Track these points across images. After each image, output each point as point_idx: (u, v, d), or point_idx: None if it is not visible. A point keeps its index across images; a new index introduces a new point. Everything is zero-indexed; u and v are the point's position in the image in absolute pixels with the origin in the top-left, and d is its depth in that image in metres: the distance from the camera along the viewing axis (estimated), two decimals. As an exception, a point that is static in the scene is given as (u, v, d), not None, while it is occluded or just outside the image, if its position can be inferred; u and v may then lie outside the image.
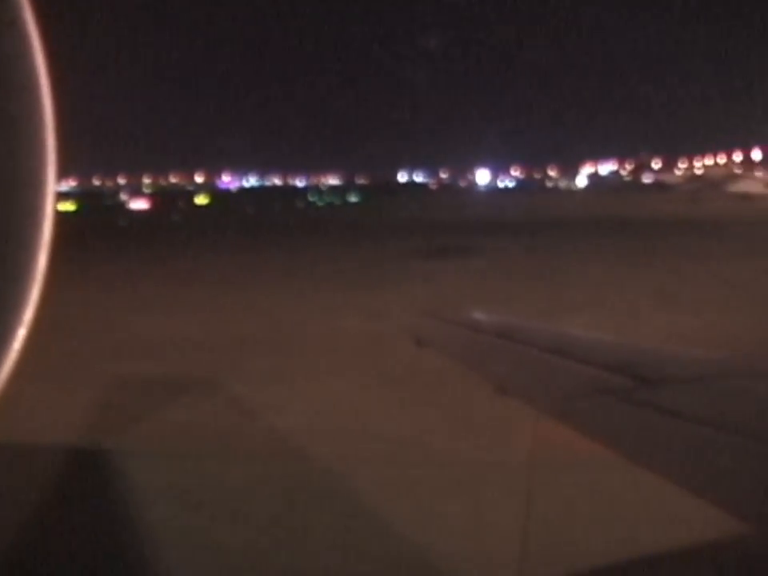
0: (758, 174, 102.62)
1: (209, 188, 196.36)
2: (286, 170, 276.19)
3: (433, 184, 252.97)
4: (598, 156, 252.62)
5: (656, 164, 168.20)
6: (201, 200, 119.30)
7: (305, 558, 7.25)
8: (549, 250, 35.69)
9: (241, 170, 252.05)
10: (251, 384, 13.53)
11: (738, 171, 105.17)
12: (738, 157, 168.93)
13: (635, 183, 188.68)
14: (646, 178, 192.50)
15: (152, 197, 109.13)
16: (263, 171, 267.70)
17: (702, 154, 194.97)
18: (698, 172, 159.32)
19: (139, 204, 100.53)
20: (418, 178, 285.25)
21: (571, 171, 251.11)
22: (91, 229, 58.63)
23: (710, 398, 3.42)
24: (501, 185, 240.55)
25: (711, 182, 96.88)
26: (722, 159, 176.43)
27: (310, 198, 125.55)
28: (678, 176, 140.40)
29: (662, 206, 79.39)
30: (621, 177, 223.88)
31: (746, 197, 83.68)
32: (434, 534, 7.53)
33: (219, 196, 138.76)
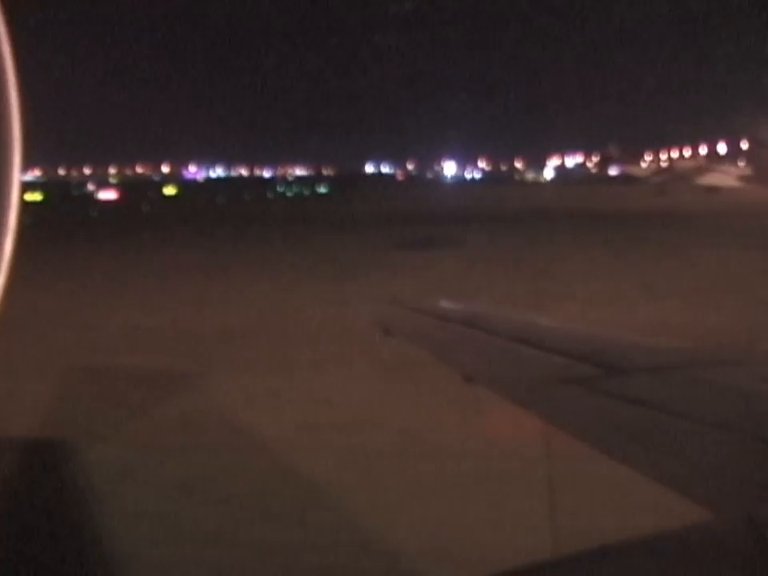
0: (726, 167, 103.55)
1: (175, 179, 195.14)
2: (252, 161, 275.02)
3: (400, 175, 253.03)
4: (564, 149, 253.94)
5: (622, 157, 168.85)
6: (169, 191, 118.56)
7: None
8: (530, 242, 35.74)
9: (207, 160, 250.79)
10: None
11: (706, 164, 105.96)
12: (703, 150, 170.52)
13: (601, 176, 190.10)
14: (612, 171, 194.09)
15: (120, 188, 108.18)
16: (229, 162, 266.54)
17: (668, 147, 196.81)
18: (663, 165, 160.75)
19: (108, 195, 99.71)
20: (385, 169, 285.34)
21: (538, 163, 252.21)
22: (62, 220, 58.19)
23: (676, 387, 3.47)
24: (468, 177, 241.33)
25: (680, 175, 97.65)
26: (687, 152, 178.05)
27: (279, 189, 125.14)
28: (646, 168, 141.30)
29: (631, 199, 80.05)
30: (587, 169, 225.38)
31: (714, 189, 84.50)
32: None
33: (187, 187, 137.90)
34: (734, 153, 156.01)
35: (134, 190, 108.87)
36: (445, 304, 6.91)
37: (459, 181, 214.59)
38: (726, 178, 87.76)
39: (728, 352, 4.51)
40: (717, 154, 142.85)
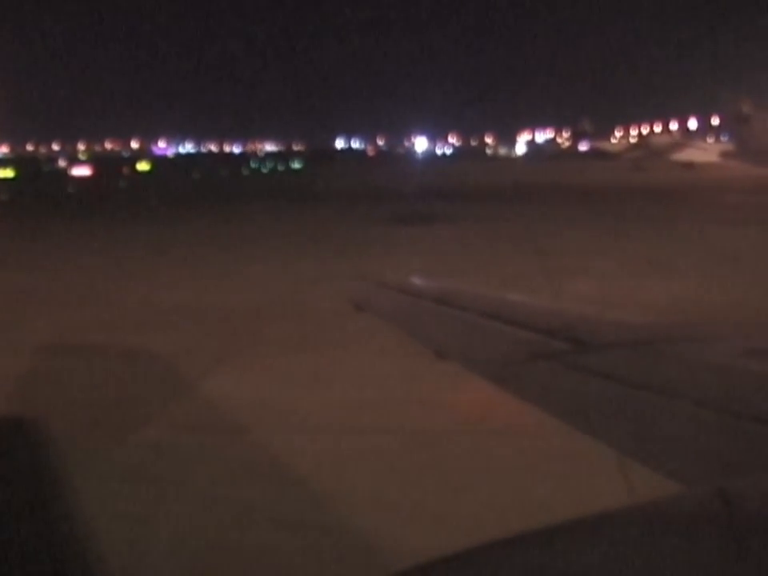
0: (703, 142, 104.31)
1: (144, 154, 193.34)
2: (222, 136, 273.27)
3: (370, 151, 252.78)
4: (534, 124, 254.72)
5: (595, 132, 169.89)
6: (142, 167, 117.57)
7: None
8: (521, 217, 35.68)
9: (176, 136, 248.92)
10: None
11: (681, 140, 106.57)
12: (673, 125, 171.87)
13: (572, 151, 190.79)
14: (583, 146, 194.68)
15: (93, 164, 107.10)
16: (198, 138, 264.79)
17: (638, 122, 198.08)
18: (634, 140, 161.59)
19: (81, 171, 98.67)
20: (355, 144, 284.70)
21: (508, 139, 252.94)
22: (39, 197, 57.58)
23: (647, 362, 3.49)
24: (439, 152, 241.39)
25: (655, 151, 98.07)
26: (657, 128, 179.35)
27: (253, 165, 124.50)
28: (618, 144, 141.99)
29: (608, 174, 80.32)
30: (557, 145, 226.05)
31: (689, 165, 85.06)
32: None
33: (159, 163, 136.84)
34: (704, 129, 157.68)
35: (107, 166, 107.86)
36: (416, 280, 7.09)
37: (431, 156, 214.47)
38: (701, 153, 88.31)
39: (699, 327, 4.59)
40: (687, 129, 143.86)
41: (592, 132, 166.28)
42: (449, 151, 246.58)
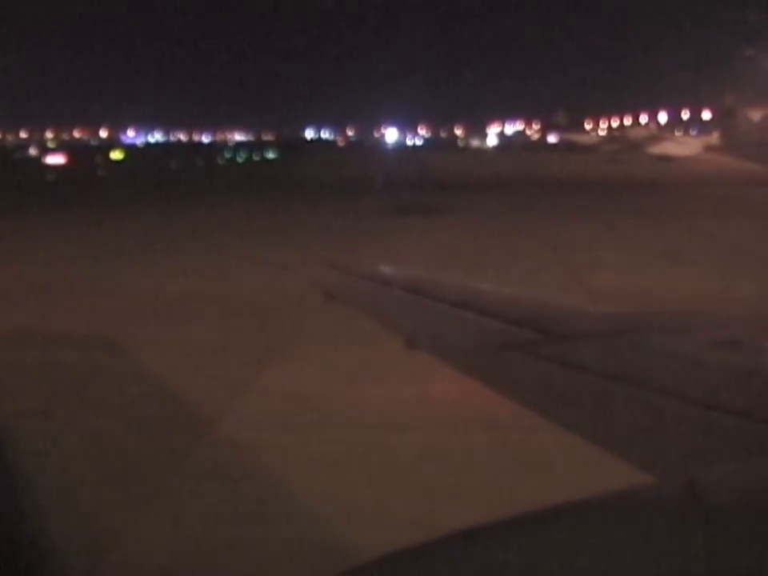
0: (681, 136, 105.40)
1: (113, 143, 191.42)
2: (191, 126, 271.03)
3: (340, 141, 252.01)
4: (504, 116, 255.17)
5: (569, 125, 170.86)
6: (116, 155, 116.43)
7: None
8: (515, 210, 35.93)
9: (145, 125, 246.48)
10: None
11: (658, 133, 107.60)
12: (643, 118, 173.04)
13: (542, 143, 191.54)
14: (552, 138, 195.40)
15: (68, 152, 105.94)
16: (167, 127, 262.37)
17: (608, 115, 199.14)
18: (602, 133, 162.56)
19: (56, 159, 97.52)
20: (325, 135, 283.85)
21: (477, 130, 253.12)
22: (18, 186, 56.84)
23: (616, 352, 3.51)
24: (409, 143, 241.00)
25: (632, 144, 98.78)
26: (628, 120, 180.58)
27: (227, 154, 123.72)
28: (592, 136, 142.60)
29: (586, 166, 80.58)
30: (527, 137, 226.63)
31: (665, 158, 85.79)
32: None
33: (131, 151, 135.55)
34: (674, 122, 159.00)
35: (80, 155, 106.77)
36: (386, 269, 7.10)
37: (401, 147, 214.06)
38: (678, 147, 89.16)
39: (668, 317, 4.58)
40: (657, 122, 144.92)
41: (566, 124, 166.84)
42: (419, 142, 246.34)
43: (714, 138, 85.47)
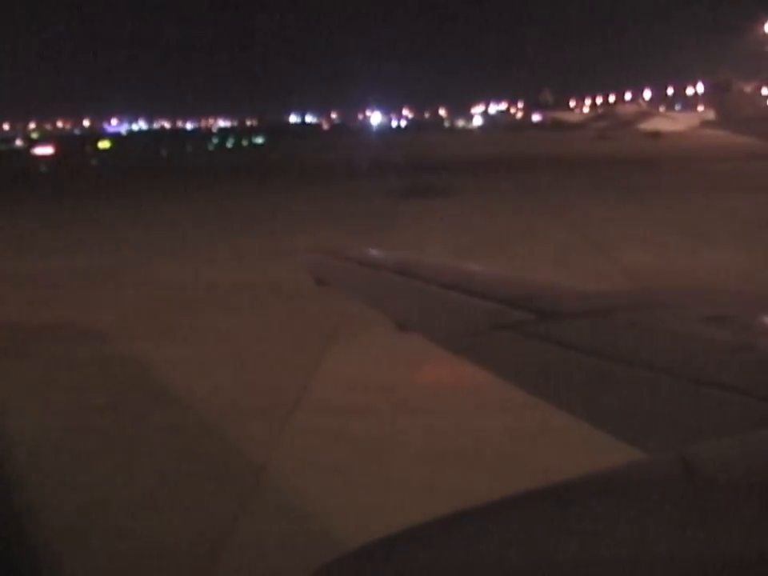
0: (670, 112, 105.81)
1: (97, 132, 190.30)
2: (174, 114, 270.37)
3: (325, 125, 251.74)
4: (487, 96, 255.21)
5: (557, 103, 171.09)
6: (103, 144, 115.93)
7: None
8: (519, 189, 35.90)
9: (128, 114, 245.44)
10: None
11: (648, 109, 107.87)
12: (628, 96, 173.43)
13: (526, 123, 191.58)
14: (537, 117, 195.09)
15: (55, 142, 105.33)
16: (150, 115, 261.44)
17: (593, 94, 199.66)
18: (587, 111, 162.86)
19: (45, 150, 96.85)
20: (309, 119, 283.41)
21: (461, 111, 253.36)
22: (13, 177, 56.39)
23: (608, 330, 3.54)
24: (394, 125, 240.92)
25: (622, 120, 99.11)
26: (612, 98, 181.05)
27: (214, 140, 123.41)
28: (579, 114, 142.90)
29: (577, 144, 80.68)
30: (511, 116, 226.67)
31: (655, 135, 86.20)
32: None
33: (117, 140, 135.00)
34: (659, 99, 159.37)
35: (67, 145, 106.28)
36: (376, 252, 6.96)
37: (386, 129, 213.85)
38: (668, 122, 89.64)
39: (659, 295, 4.60)
40: (643, 99, 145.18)
41: (553, 103, 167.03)
42: (404, 124, 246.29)
43: (703, 113, 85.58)
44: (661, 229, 22.55)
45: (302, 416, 9.12)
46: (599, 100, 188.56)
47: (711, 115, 78.94)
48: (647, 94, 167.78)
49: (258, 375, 10.63)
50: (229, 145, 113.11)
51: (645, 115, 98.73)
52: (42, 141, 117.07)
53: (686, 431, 2.42)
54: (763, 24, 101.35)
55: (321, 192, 37.36)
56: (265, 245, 21.35)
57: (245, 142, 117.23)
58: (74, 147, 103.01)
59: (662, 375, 2.87)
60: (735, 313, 3.67)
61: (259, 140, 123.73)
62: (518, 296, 4.20)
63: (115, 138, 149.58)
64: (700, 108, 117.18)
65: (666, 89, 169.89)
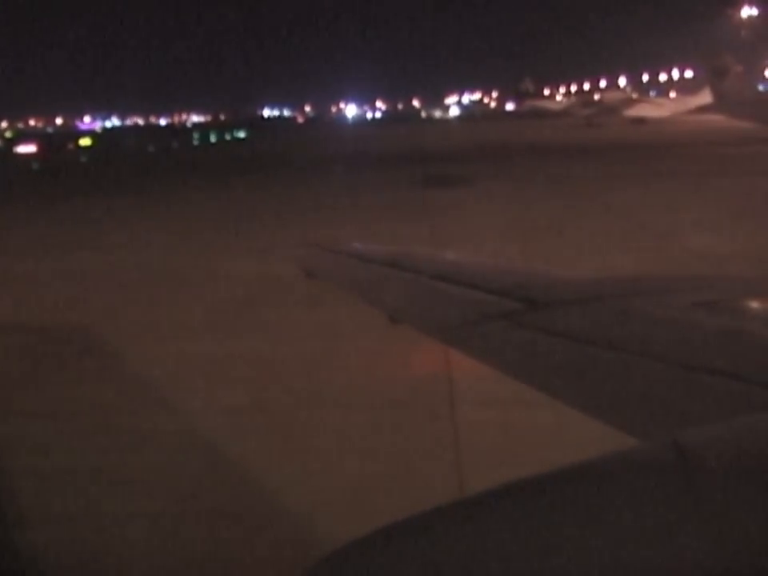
0: (657, 98, 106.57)
1: (69, 130, 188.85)
2: (147, 109, 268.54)
3: (299, 118, 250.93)
4: (461, 86, 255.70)
5: (534, 92, 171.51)
6: (85, 141, 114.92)
7: None
8: (524, 179, 35.51)
9: (100, 111, 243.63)
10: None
11: (634, 95, 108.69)
12: (603, 83, 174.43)
13: (503, 112, 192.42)
14: (511, 106, 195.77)
15: (38, 141, 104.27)
16: (123, 112, 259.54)
17: (567, 81, 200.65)
18: (559, 98, 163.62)
19: (27, 148, 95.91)
20: (280, 112, 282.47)
21: (435, 102, 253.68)
22: (6, 175, 55.78)
23: (598, 318, 3.53)
24: (369, 117, 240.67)
25: (608, 107, 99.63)
26: (587, 85, 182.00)
27: (195, 135, 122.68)
28: (561, 102, 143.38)
29: (566, 132, 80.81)
30: (486, 106, 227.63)
31: (641, 121, 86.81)
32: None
33: (96, 138, 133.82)
34: (635, 85, 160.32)
35: (48, 143, 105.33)
36: (366, 245, 6.93)
37: (362, 121, 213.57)
38: (653, 108, 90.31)
39: (649, 281, 4.59)
40: (628, 86, 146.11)
41: (533, 92, 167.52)
42: (378, 115, 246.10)
43: (690, 99, 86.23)
44: (701, 212, 22.66)
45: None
46: (574, 88, 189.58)
47: (700, 100, 79.78)
48: (622, 81, 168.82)
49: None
50: (213, 140, 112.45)
51: (630, 102, 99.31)
52: (21, 139, 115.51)
53: (679, 417, 2.44)
54: (739, 9, 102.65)
55: (339, 184, 37.04)
56: (339, 233, 20.13)
57: (228, 137, 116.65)
58: (54, 145, 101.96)
59: (653, 361, 2.87)
60: (726, 298, 3.68)
61: (242, 134, 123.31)
62: (510, 285, 4.20)
63: (91, 135, 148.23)
64: (672, 94, 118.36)
65: (641, 75, 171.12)
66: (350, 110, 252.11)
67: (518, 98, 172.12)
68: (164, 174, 49.48)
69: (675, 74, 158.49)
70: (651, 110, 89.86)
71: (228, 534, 6.50)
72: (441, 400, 8.98)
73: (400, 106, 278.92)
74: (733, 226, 19.92)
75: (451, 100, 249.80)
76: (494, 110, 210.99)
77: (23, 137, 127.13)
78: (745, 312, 3.63)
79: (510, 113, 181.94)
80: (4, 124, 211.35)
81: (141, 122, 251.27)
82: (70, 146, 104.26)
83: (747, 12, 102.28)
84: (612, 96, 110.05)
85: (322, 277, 5.82)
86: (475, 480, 6.86)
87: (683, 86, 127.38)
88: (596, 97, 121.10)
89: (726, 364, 2.70)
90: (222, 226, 24.41)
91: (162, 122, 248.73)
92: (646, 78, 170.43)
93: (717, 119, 63.81)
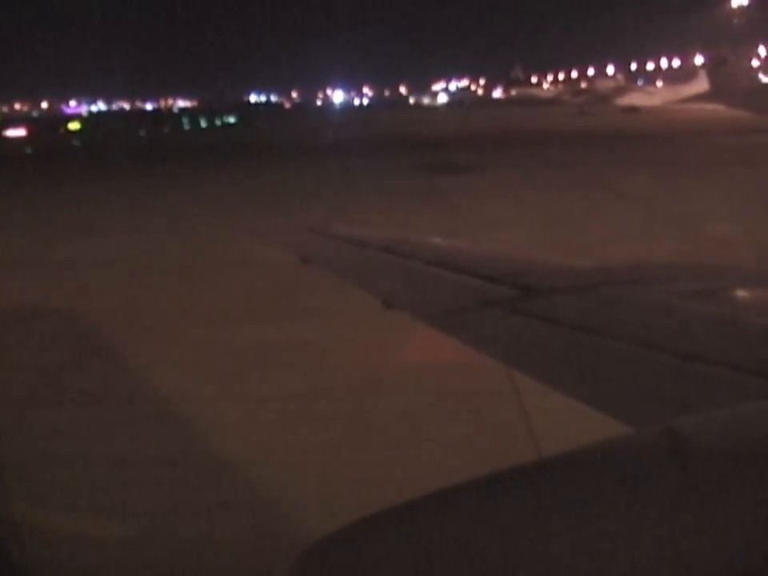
0: (649, 86, 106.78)
1: (55, 114, 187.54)
2: (133, 94, 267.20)
3: (286, 104, 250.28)
4: (448, 73, 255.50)
5: (523, 79, 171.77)
6: (74, 126, 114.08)
7: None
8: (540, 163, 35.85)
9: (86, 96, 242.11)
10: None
11: (626, 84, 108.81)
12: (590, 71, 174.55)
13: (489, 99, 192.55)
14: (498, 94, 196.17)
15: (27, 125, 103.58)
16: (109, 97, 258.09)
17: (555, 70, 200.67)
18: (546, 86, 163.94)
19: (17, 132, 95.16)
20: (266, 98, 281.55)
21: (421, 88, 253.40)
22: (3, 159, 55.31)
23: (594, 306, 3.52)
24: (357, 103, 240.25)
25: (600, 95, 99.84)
26: (574, 74, 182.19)
27: (184, 119, 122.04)
28: (550, 90, 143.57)
29: (559, 120, 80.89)
30: (473, 93, 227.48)
31: (633, 109, 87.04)
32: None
33: (84, 122, 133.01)
34: (623, 74, 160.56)
35: (39, 126, 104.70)
36: (361, 230, 7.11)
37: (350, 107, 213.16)
38: (645, 97, 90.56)
39: (645, 269, 4.59)
40: (620, 74, 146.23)
41: (523, 79, 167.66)
42: (366, 102, 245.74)
43: (681, 88, 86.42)
44: (723, 200, 22.64)
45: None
46: (561, 76, 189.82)
47: (692, 90, 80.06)
48: (610, 70, 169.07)
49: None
50: (203, 124, 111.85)
51: (622, 90, 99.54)
52: (10, 123, 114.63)
53: (674, 405, 2.44)
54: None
55: (351, 169, 36.72)
56: (364, 221, 20.57)
57: (218, 122, 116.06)
58: (43, 129, 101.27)
59: (649, 350, 2.87)
60: (722, 286, 3.67)
61: (232, 119, 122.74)
62: (505, 272, 4.19)
63: (80, 119, 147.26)
64: (659, 83, 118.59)
65: (629, 64, 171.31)
66: (338, 96, 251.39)
67: (507, 85, 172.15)
68: (163, 159, 48.97)
69: (663, 63, 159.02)
70: (643, 98, 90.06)
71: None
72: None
73: (387, 93, 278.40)
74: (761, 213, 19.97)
75: (438, 87, 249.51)
76: (482, 97, 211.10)
77: (11, 121, 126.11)
78: (740, 300, 3.63)
79: (498, 100, 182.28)
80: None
81: (127, 106, 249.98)
82: (60, 130, 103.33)
83: (738, 2, 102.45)
84: (604, 84, 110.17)
85: (316, 261, 5.74)
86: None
87: (671, 76, 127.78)
88: (583, 85, 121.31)
89: (722, 352, 2.71)
90: (236, 210, 24.42)
91: (149, 106, 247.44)
92: (634, 66, 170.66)
93: (711, 108, 64.06)
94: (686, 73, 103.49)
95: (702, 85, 73.56)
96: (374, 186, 29.50)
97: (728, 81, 55.22)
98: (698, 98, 72.27)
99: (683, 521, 1.34)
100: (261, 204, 25.71)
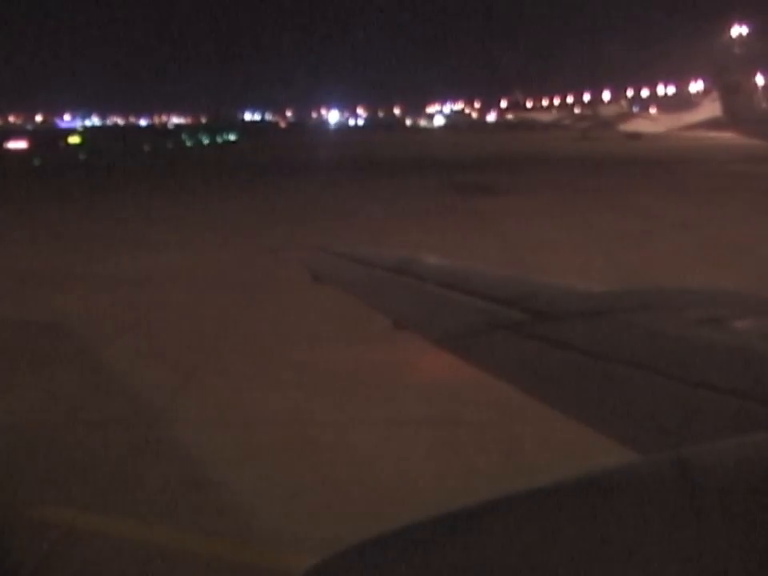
0: (653, 113, 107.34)
1: (49, 127, 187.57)
2: (127, 110, 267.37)
3: (281, 122, 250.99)
4: (443, 96, 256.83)
5: (522, 103, 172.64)
6: (74, 139, 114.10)
7: None
8: (563, 188, 35.76)
9: (80, 110, 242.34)
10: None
11: (629, 110, 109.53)
12: (587, 97, 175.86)
13: (483, 123, 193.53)
14: (492, 118, 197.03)
15: (27, 137, 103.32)
16: (103, 112, 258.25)
17: (551, 94, 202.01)
18: (547, 110, 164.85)
19: (18, 144, 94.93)
20: (259, 116, 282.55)
21: (416, 110, 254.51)
22: (11, 172, 54.97)
23: (604, 331, 3.52)
24: (352, 123, 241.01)
25: (603, 121, 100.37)
26: (570, 98, 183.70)
27: (184, 136, 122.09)
28: (550, 114, 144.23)
29: (564, 144, 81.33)
30: (468, 116, 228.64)
31: (636, 136, 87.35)
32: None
33: (83, 136, 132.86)
34: (618, 100, 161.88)
35: (39, 139, 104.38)
36: (373, 250, 7.09)
37: (345, 128, 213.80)
38: (649, 124, 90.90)
39: (655, 295, 4.53)
40: (625, 99, 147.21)
41: (523, 102, 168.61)
42: (360, 122, 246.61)
43: (685, 115, 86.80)
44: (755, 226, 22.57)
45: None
46: (557, 101, 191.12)
47: (695, 117, 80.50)
48: (606, 95, 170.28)
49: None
50: (205, 141, 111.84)
51: (625, 116, 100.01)
52: (10, 135, 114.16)
53: (682, 433, 2.43)
54: (725, 28, 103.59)
55: (371, 189, 36.51)
56: (405, 243, 20.06)
57: (218, 140, 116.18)
58: (43, 142, 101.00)
59: (657, 377, 2.86)
60: (732, 314, 3.63)
61: (232, 137, 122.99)
62: (515, 295, 4.18)
63: (79, 133, 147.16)
64: (652, 110, 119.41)
65: (625, 90, 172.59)
66: (333, 116, 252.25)
67: (503, 108, 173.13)
68: (176, 174, 48.77)
69: (660, 90, 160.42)
70: (647, 125, 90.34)
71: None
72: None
73: (381, 114, 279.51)
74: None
75: (433, 109, 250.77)
76: (476, 120, 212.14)
77: (9, 133, 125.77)
78: (750, 328, 3.54)
79: (496, 123, 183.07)
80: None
81: (120, 121, 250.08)
82: (60, 143, 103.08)
83: (737, 31, 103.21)
84: (607, 110, 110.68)
85: (327, 280, 5.78)
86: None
87: (667, 102, 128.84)
88: (577, 110, 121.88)
89: (731, 381, 2.69)
90: (260, 226, 24.69)
91: (143, 122, 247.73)
92: (630, 93, 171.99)
93: (719, 136, 64.26)
94: (688, 100, 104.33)
95: (705, 112, 73.83)
96: (402, 206, 29.22)
97: (743, 109, 55.07)
98: (704, 125, 72.44)
99: (690, 550, 1.34)
100: (296, 220, 25.50)
